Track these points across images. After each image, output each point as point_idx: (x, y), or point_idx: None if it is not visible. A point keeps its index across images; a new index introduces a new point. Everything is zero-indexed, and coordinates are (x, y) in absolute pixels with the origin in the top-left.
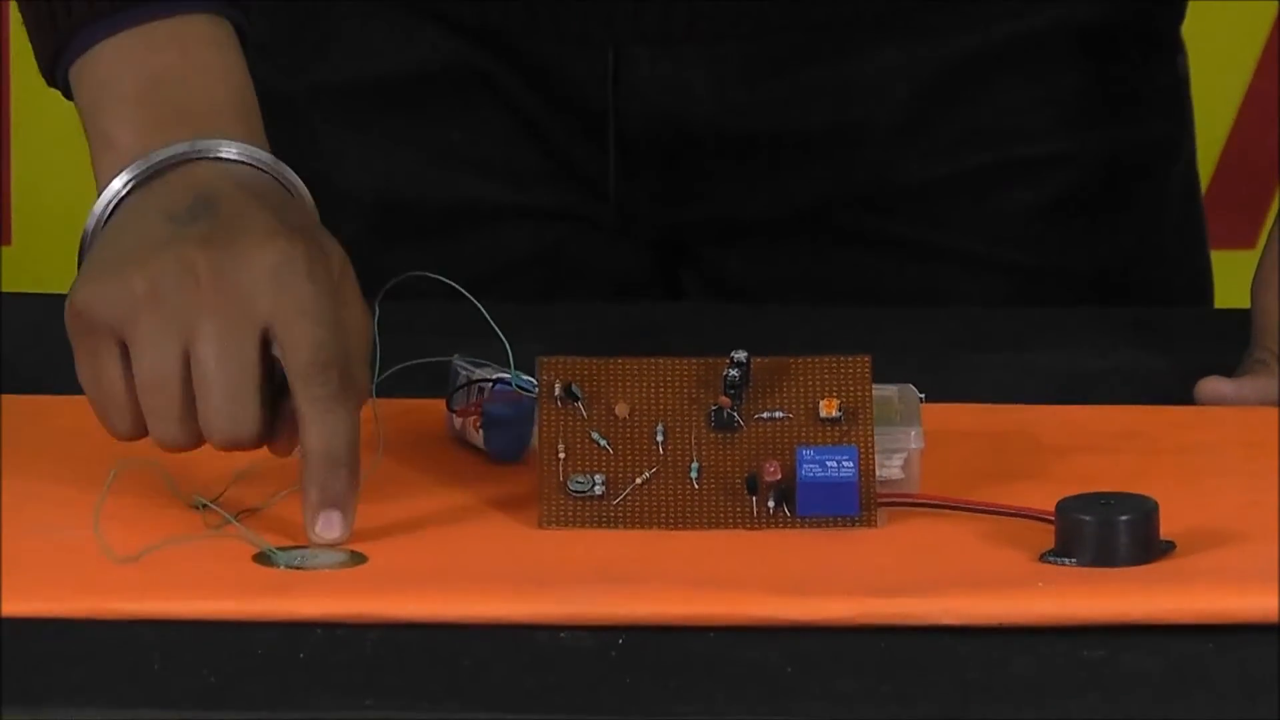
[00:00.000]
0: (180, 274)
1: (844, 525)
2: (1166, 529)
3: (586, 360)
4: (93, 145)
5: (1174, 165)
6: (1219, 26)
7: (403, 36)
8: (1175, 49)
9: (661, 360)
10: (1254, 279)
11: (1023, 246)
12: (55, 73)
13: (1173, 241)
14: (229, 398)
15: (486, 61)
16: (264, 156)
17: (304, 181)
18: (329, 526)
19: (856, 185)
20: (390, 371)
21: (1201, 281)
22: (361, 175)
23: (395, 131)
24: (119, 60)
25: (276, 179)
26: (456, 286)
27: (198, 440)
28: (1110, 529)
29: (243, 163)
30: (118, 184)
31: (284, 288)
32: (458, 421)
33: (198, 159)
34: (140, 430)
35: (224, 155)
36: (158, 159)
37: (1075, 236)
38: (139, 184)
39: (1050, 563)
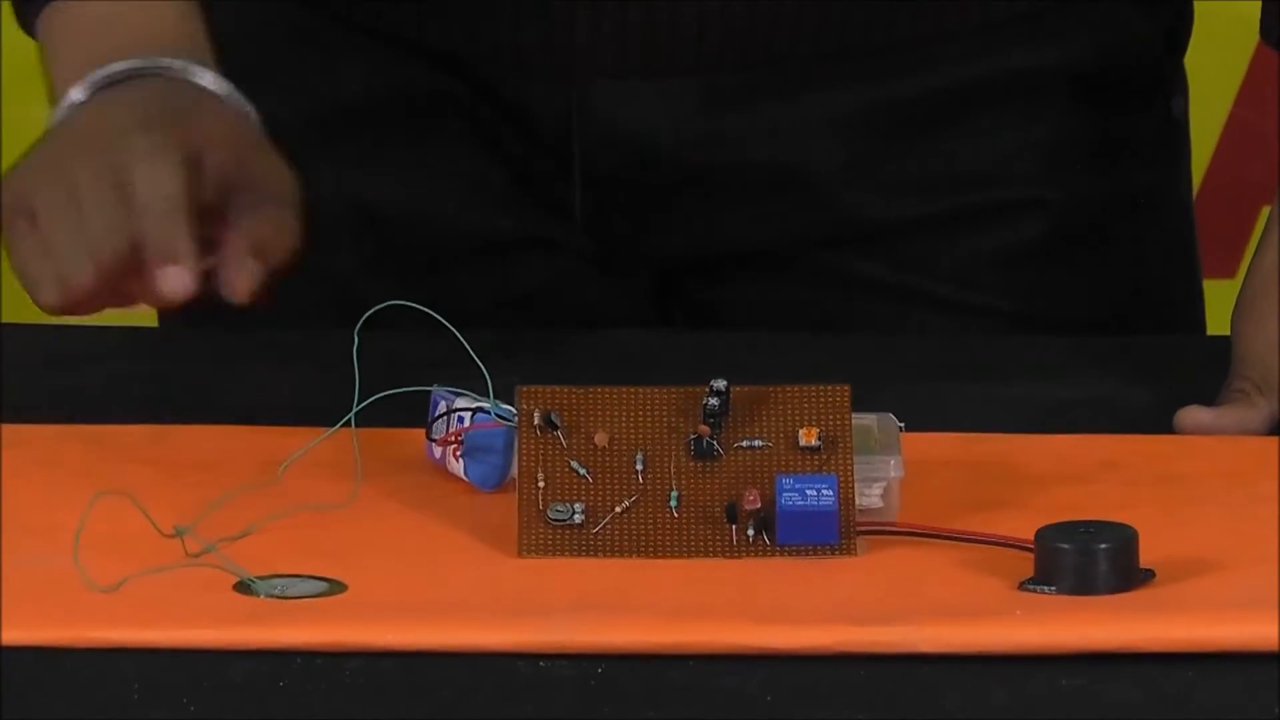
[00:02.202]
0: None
1: (823, 554)
2: (1146, 558)
3: (565, 389)
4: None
5: (1163, 211)
6: (1198, 56)
7: (374, 64)
8: (1172, 90)
9: (641, 389)
10: (1234, 309)
11: (997, 292)
12: (25, 23)
13: (1162, 288)
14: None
15: (458, 90)
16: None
17: None
18: (169, 279)
19: (819, 223)
20: (369, 401)
21: (1193, 327)
22: (343, 202)
23: (370, 158)
24: (71, 12)
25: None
26: (435, 315)
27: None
28: (1089, 557)
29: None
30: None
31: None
32: (437, 450)
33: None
34: (69, 292)
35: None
36: (100, 75)
37: (1052, 282)
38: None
39: (1029, 591)
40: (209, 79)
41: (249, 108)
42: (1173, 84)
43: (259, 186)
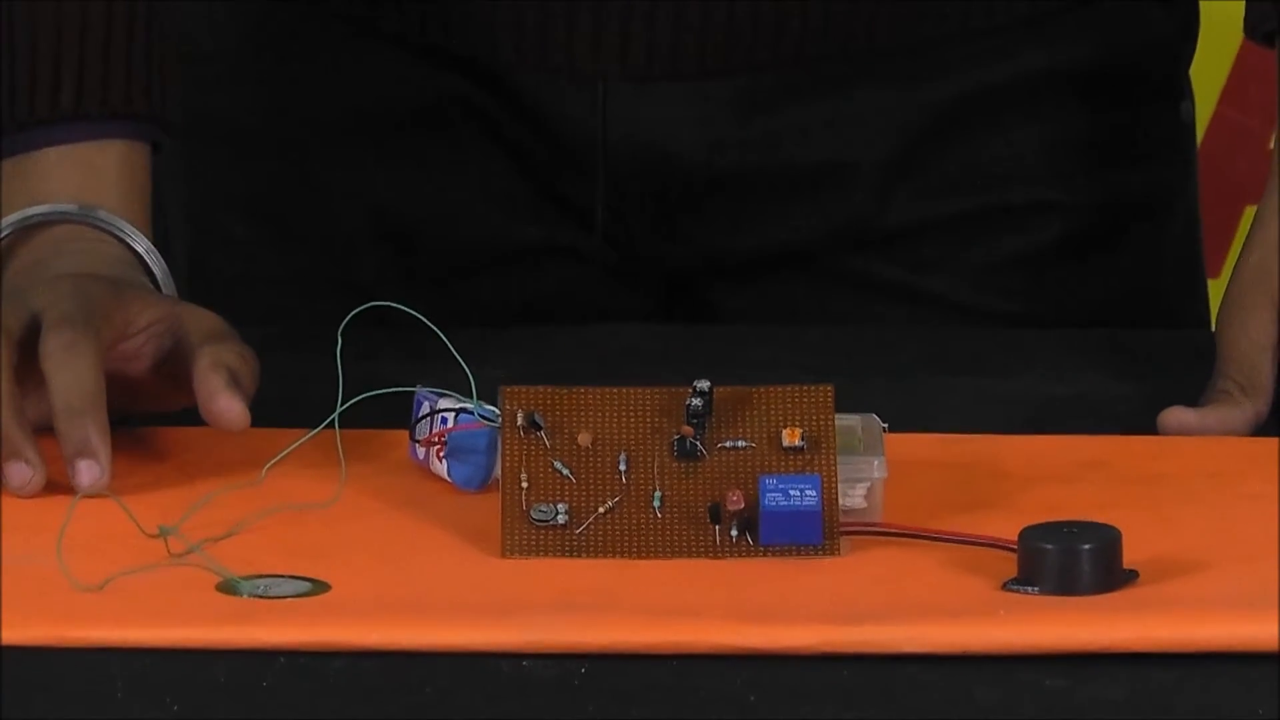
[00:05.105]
0: None
1: (807, 554)
2: (1129, 558)
3: (549, 389)
4: None
5: (1171, 214)
6: None
7: (394, 70)
8: (1179, 95)
9: (624, 389)
10: (1219, 309)
11: (1009, 295)
12: None
13: (1169, 290)
14: None
15: (479, 96)
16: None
17: (304, 211)
18: (81, 473)
19: (843, 226)
20: (353, 401)
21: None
22: (365, 208)
23: (389, 165)
24: (13, 179)
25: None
26: (417, 315)
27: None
28: (1073, 557)
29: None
30: None
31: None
32: (421, 451)
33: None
34: None
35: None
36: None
37: (1064, 285)
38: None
39: (1013, 591)
40: (132, 234)
41: (164, 263)
42: (1181, 88)
43: (199, 333)
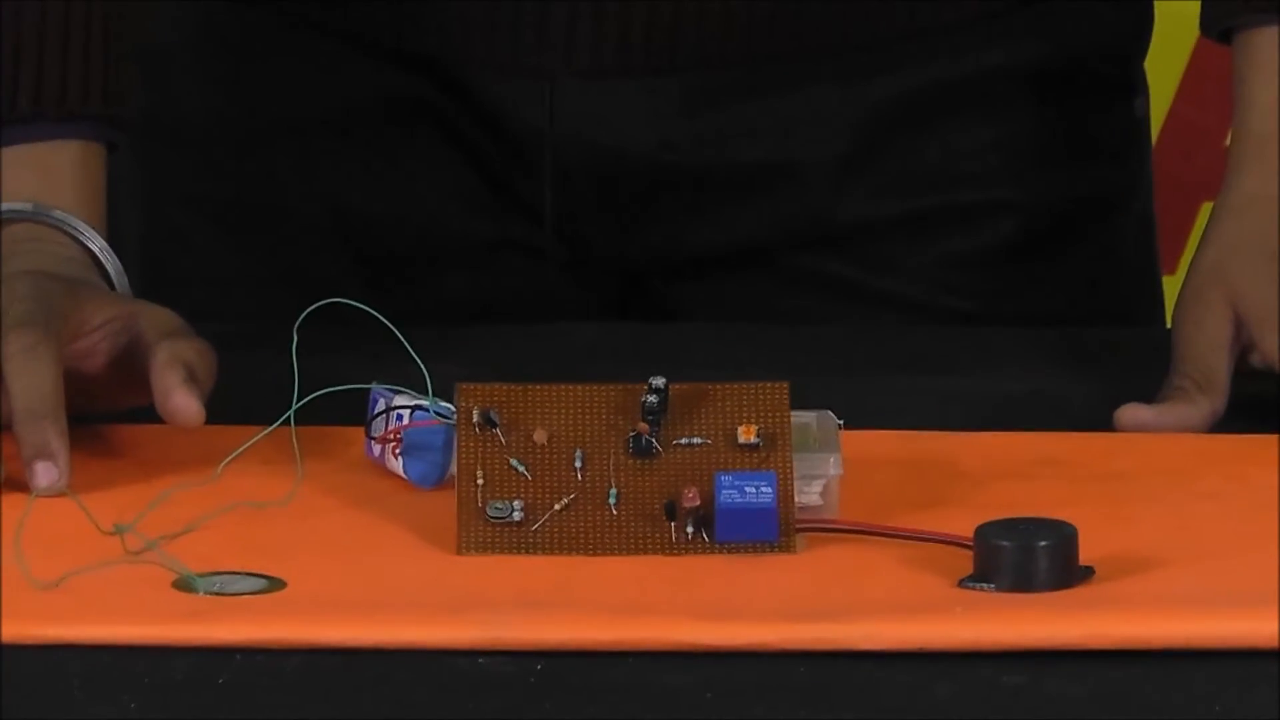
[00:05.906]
0: None
1: (762, 551)
2: (1086, 555)
3: (504, 387)
4: None
5: (1127, 211)
6: None
7: (348, 69)
8: (1134, 90)
9: (580, 386)
10: (1175, 306)
11: (964, 294)
12: None
13: (1125, 287)
14: None
15: (432, 94)
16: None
17: (261, 210)
18: (40, 475)
19: (796, 223)
20: (309, 399)
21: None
22: (320, 207)
23: (344, 163)
24: None
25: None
26: (372, 312)
27: None
28: (1029, 554)
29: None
30: None
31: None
32: (376, 448)
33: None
34: None
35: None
36: None
37: (1020, 284)
38: None
39: (969, 588)
40: (87, 233)
41: (118, 262)
42: (1136, 83)
43: (155, 331)
